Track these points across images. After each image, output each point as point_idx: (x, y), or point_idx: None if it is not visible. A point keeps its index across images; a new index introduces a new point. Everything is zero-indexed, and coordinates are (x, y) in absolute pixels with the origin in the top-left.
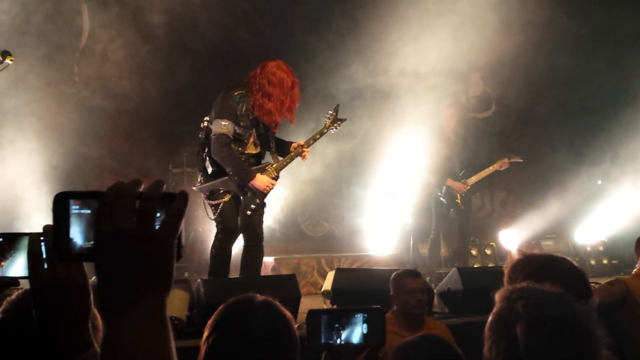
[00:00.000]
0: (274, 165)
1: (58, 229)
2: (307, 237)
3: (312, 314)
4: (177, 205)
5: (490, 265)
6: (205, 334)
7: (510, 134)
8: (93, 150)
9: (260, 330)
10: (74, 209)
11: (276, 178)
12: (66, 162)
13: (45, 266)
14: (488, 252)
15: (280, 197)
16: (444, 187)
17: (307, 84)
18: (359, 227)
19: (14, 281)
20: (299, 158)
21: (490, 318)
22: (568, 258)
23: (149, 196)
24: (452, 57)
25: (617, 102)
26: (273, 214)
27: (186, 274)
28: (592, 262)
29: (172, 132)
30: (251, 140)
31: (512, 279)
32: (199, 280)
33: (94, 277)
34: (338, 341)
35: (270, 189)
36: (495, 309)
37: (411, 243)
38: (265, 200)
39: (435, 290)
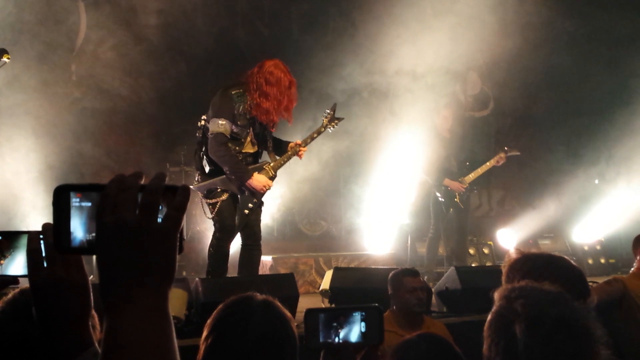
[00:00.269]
0: (271, 164)
1: (58, 222)
2: (304, 236)
3: (310, 313)
4: (179, 199)
5: (488, 264)
6: (205, 333)
7: (508, 133)
8: (90, 149)
9: (260, 329)
10: (75, 201)
11: (273, 177)
12: (63, 161)
13: (45, 264)
14: (486, 251)
15: (278, 196)
16: (442, 187)
17: (304, 83)
18: (357, 226)
19: (14, 280)
20: (296, 157)
21: (489, 317)
22: (566, 257)
23: (152, 189)
24: (449, 57)
25: (613, 103)
26: (271, 212)
27: (184, 273)
28: (590, 262)
29: (170, 131)
30: (248, 139)
31: (510, 278)
32: (197, 279)
33: (92, 276)
34: (336, 340)
35: (268, 188)
36: (494, 308)
37: (409, 242)
38: (263, 199)
39: (433, 290)
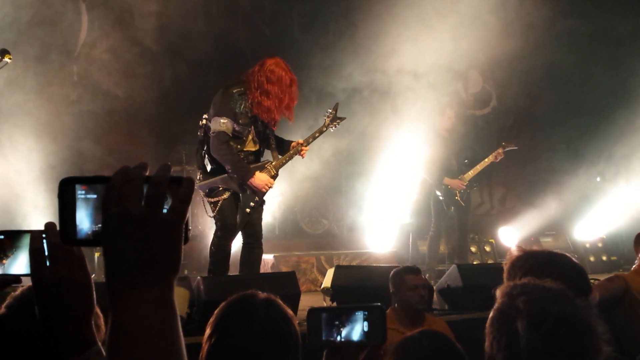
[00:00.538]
0: (273, 163)
1: (64, 214)
2: (306, 234)
3: (313, 312)
4: (184, 191)
5: (490, 262)
6: (207, 332)
7: (509, 132)
8: (91, 149)
9: (262, 328)
10: (80, 194)
11: (275, 176)
12: (64, 161)
13: (47, 263)
14: (487, 248)
15: (280, 195)
16: (442, 185)
17: (306, 81)
18: (358, 224)
19: (16, 279)
20: (297, 156)
21: (491, 314)
22: (567, 254)
23: (158, 181)
24: (451, 56)
25: (614, 102)
26: (272, 211)
27: (186, 272)
28: (592, 259)
29: (171, 130)
30: (250, 137)
31: (512, 276)
32: (198, 277)
33: (94, 275)
34: (338, 339)
35: (269, 187)
36: (496, 305)
37: (410, 240)
38: (265, 197)
39: (434, 287)
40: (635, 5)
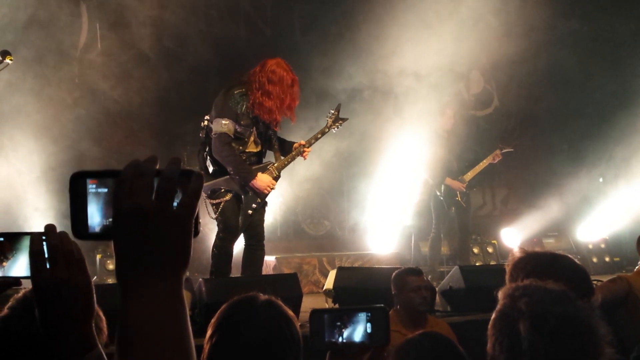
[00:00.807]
0: (275, 165)
1: (75, 209)
2: (308, 235)
3: (315, 313)
4: (193, 186)
5: (492, 263)
6: (209, 333)
7: (511, 134)
8: (92, 150)
9: (264, 330)
10: (91, 188)
11: (277, 177)
12: (65, 163)
13: (47, 266)
14: (490, 250)
15: (281, 196)
16: (443, 186)
17: (306, 82)
18: (360, 225)
19: (16, 281)
20: (299, 157)
21: (493, 315)
22: (570, 256)
23: (168, 175)
24: (452, 58)
25: (615, 104)
26: (274, 212)
27: (187, 273)
28: (594, 260)
29: (172, 132)
30: (252, 138)
31: (514, 277)
32: (200, 279)
33: (95, 277)
34: (341, 340)
35: (272, 188)
36: (498, 307)
37: (412, 241)
38: (267, 199)
39: (437, 289)
40: (637, 7)
